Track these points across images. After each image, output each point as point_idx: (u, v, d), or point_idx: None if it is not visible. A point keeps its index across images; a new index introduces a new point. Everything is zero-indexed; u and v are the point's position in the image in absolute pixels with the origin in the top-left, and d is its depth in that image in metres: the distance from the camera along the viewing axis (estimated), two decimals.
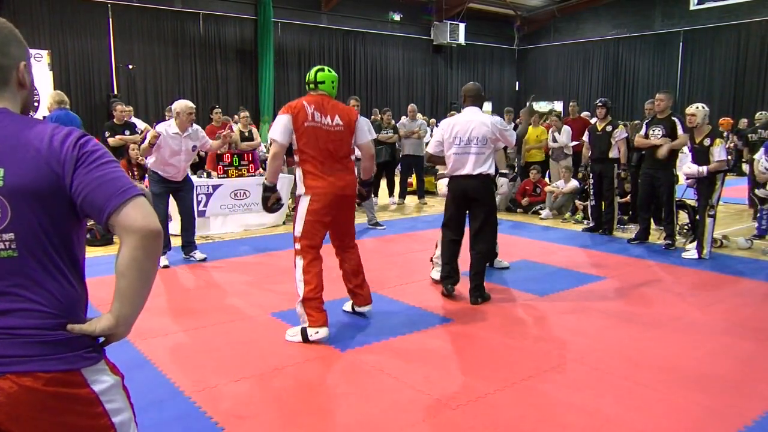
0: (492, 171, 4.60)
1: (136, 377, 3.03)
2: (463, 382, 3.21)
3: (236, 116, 9.42)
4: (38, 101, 8.14)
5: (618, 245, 6.78)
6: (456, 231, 4.72)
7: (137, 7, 13.62)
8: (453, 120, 4.60)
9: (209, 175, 7.45)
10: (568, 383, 3.19)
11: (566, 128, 9.30)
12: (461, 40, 19.14)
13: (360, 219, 6.48)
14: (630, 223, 7.65)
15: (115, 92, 13.36)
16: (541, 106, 20.31)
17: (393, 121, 9.81)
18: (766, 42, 16.24)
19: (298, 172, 3.79)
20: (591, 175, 7.49)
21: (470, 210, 4.63)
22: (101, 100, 13.34)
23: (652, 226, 7.07)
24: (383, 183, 9.93)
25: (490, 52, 21.61)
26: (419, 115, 10.51)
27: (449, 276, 4.69)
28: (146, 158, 5.69)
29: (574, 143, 9.19)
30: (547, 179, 9.84)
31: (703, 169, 5.92)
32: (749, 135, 9.25)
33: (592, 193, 7.51)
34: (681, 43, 17.99)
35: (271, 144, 3.75)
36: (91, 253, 5.82)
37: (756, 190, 7.34)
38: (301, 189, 3.78)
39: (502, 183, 5.89)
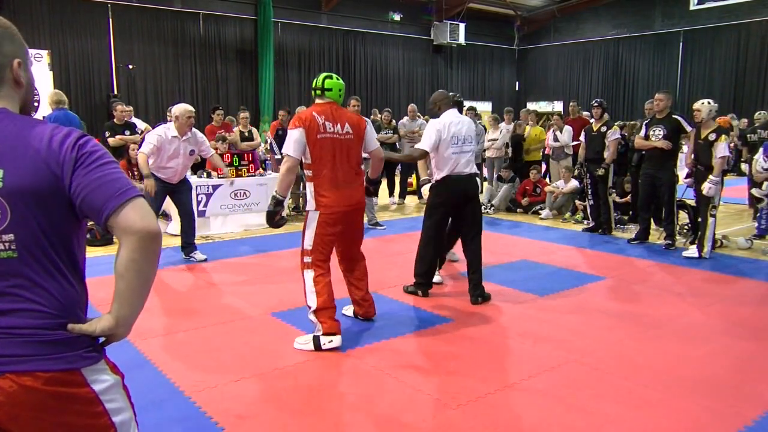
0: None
1: (136, 377, 3.03)
2: (463, 382, 3.21)
3: (238, 115, 9.42)
4: (38, 101, 8.09)
5: (618, 245, 6.78)
6: (442, 243, 4.84)
7: (137, 7, 13.62)
8: (445, 120, 4.52)
9: (209, 175, 7.45)
10: (568, 383, 3.19)
11: (568, 128, 9.31)
12: (461, 40, 19.14)
13: None
14: (630, 223, 7.65)
15: (115, 92, 13.35)
16: (541, 106, 20.33)
17: (394, 122, 9.82)
18: (766, 42, 16.23)
19: (309, 186, 3.72)
20: (588, 174, 7.50)
21: (464, 210, 4.62)
22: (101, 100, 13.34)
23: (652, 226, 7.07)
24: (383, 183, 9.93)
25: (490, 52, 21.60)
26: (419, 116, 10.52)
27: (428, 282, 4.81)
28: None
29: (574, 143, 9.20)
30: (546, 179, 9.85)
31: (715, 180, 5.92)
32: (748, 135, 9.26)
33: (590, 193, 7.52)
34: (681, 43, 17.98)
35: (283, 159, 3.67)
36: (91, 253, 5.82)
37: (753, 190, 7.35)
38: (311, 203, 3.72)
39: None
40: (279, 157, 8.53)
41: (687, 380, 3.22)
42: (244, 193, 7.60)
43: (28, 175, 1.23)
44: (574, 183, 8.61)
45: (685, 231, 6.84)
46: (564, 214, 8.67)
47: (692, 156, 6.42)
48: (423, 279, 4.75)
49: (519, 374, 3.29)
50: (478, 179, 4.87)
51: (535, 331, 4.00)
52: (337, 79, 3.82)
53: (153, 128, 6.48)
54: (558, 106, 20.17)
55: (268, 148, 9.48)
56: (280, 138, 8.40)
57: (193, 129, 5.66)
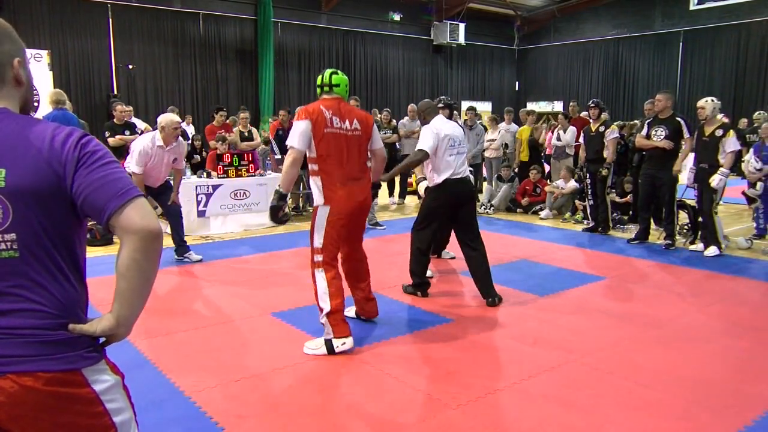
0: None
1: (136, 377, 3.03)
2: (463, 382, 3.20)
3: (238, 115, 9.43)
4: (38, 101, 8.09)
5: (618, 245, 6.78)
6: (437, 243, 4.87)
7: (137, 7, 13.63)
8: (438, 125, 4.55)
9: (209, 175, 7.45)
10: (568, 383, 3.19)
11: (572, 128, 9.30)
12: (461, 40, 19.15)
13: None
14: (630, 223, 7.65)
15: (115, 92, 13.37)
16: (541, 106, 20.33)
17: (393, 122, 9.82)
18: (766, 42, 16.25)
19: (315, 180, 3.65)
20: (588, 174, 7.50)
21: (461, 212, 4.62)
22: (101, 100, 13.35)
23: (652, 226, 7.07)
24: (383, 183, 9.93)
25: (490, 52, 21.62)
26: None
27: (426, 283, 4.85)
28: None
29: (575, 143, 9.20)
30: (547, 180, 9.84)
31: (725, 173, 6.00)
32: (747, 135, 9.27)
33: (589, 193, 7.52)
34: (681, 43, 17.99)
35: (288, 150, 3.58)
36: (91, 253, 5.82)
37: (746, 190, 7.37)
38: (319, 199, 3.64)
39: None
40: (279, 157, 8.53)
41: (687, 380, 3.22)
42: (244, 193, 7.61)
43: (29, 174, 1.23)
44: (574, 183, 8.61)
45: (685, 231, 6.84)
46: (564, 214, 8.67)
47: (693, 157, 6.45)
48: (419, 278, 4.76)
49: (519, 374, 3.29)
50: (472, 177, 4.94)
51: (535, 331, 4.00)
52: (343, 75, 3.80)
53: (153, 129, 6.48)
54: (558, 106, 20.18)
55: (267, 138, 9.46)
56: (280, 138, 8.40)
57: (179, 139, 5.73)
